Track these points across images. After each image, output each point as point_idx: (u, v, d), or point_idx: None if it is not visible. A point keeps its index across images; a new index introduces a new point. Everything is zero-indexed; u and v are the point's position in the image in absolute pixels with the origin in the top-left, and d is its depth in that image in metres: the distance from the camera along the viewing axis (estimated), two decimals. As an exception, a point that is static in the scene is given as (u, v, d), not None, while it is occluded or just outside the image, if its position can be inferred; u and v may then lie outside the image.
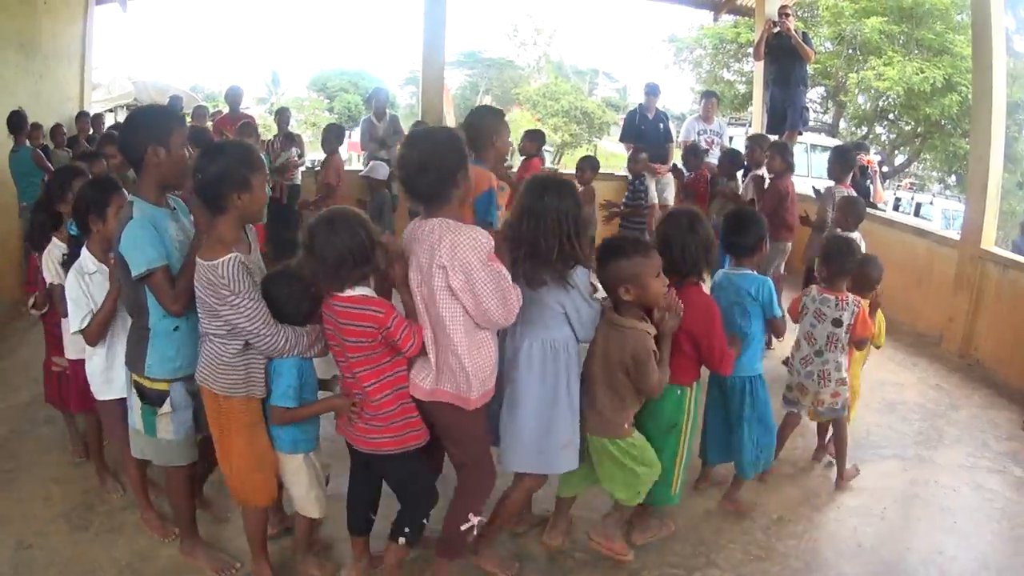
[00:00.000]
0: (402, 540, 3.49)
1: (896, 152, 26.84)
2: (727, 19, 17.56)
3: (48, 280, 4.26)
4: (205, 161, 3.16)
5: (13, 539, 4.02)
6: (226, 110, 10.81)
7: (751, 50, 13.11)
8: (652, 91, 10.12)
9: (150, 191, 3.40)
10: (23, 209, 7.53)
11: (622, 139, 10.31)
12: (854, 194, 6.78)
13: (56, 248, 4.29)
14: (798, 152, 14.04)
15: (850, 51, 22.41)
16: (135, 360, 3.49)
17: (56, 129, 8.87)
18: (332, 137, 8.84)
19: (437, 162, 3.18)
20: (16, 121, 7.37)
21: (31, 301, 4.55)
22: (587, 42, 55.64)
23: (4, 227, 7.82)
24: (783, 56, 10.06)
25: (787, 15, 10.00)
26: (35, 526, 4.15)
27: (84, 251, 3.85)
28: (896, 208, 20.09)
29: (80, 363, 4.05)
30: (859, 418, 5.48)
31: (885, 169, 21.40)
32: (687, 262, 3.73)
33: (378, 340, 3.21)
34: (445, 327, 3.25)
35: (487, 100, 36.30)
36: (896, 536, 4.57)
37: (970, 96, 10.49)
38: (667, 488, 3.92)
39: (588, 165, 8.28)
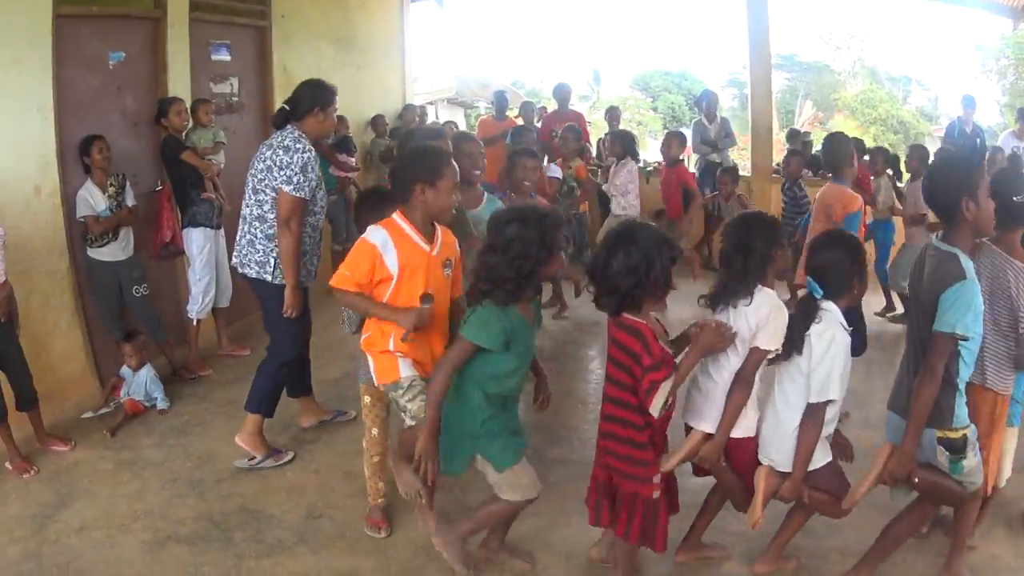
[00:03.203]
0: None
1: None
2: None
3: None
4: None
5: (304, 508, 3.96)
6: (551, 107, 10.61)
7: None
8: (969, 104, 9.77)
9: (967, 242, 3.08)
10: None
11: None
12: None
13: None
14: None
15: None
16: (943, 415, 3.01)
17: (377, 119, 9.13)
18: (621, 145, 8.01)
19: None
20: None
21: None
22: (899, 47, 50.83)
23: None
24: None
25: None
26: (330, 498, 4.06)
27: None
28: None
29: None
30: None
31: None
32: None
33: None
34: None
35: (807, 105, 34.97)
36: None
37: None
38: None
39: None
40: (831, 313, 3.04)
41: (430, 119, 12.53)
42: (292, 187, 4.02)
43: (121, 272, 5.11)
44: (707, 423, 3.13)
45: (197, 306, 5.68)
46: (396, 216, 3.23)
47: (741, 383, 3.06)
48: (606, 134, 9.90)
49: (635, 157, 7.66)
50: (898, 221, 7.06)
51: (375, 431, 3.72)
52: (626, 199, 7.24)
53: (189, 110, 5.70)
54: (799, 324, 3.04)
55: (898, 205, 7.00)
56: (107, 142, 4.99)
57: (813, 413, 3.01)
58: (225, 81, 6.71)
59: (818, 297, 3.06)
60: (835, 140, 5.51)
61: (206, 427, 4.84)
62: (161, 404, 4.97)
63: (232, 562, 3.50)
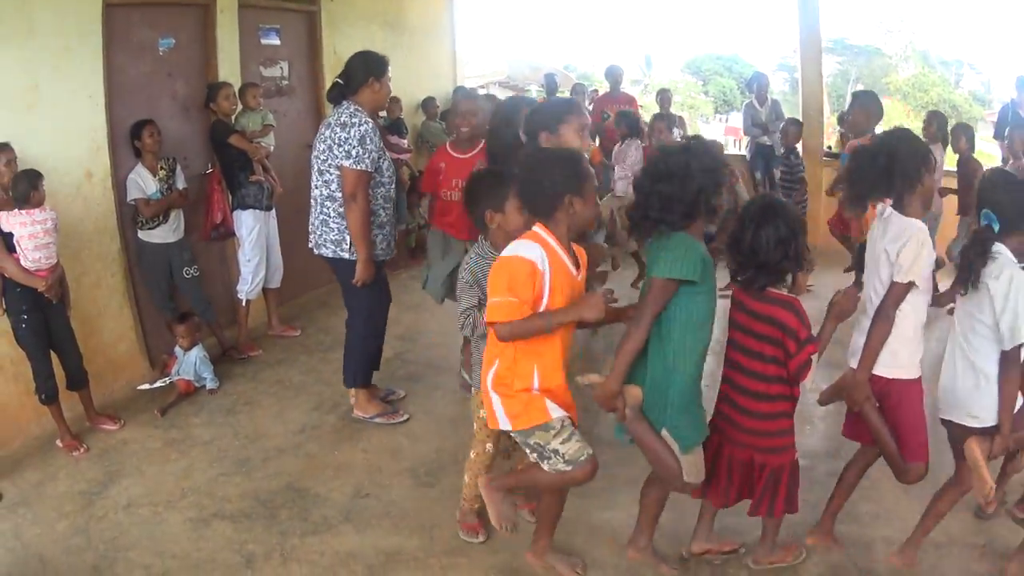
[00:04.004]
0: None
1: None
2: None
3: None
4: None
5: (350, 487, 3.96)
6: (603, 89, 10.58)
7: None
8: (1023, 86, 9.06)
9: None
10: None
11: (996, 136, 9.15)
12: None
13: None
14: None
15: None
16: None
17: (428, 101, 9.05)
18: None
19: None
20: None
21: None
22: (951, 30, 49.58)
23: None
24: None
25: None
26: (377, 478, 4.05)
27: None
28: None
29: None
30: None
31: None
32: None
33: None
34: None
35: (858, 89, 34.69)
36: None
37: None
38: None
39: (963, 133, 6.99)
40: (1004, 253, 2.90)
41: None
42: (352, 161, 4.07)
43: (172, 254, 5.16)
44: (857, 359, 3.07)
45: (247, 287, 5.71)
46: (542, 231, 2.81)
47: (881, 318, 2.98)
48: (655, 116, 9.82)
49: (640, 137, 7.61)
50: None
51: (489, 446, 3.43)
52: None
53: (237, 94, 5.72)
54: (973, 260, 2.91)
55: None
56: (157, 126, 5.03)
57: (1010, 360, 2.87)
58: (275, 65, 6.73)
59: (995, 231, 2.91)
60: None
61: (254, 407, 4.86)
62: (210, 384, 5.01)
63: (277, 539, 3.51)
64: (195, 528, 3.59)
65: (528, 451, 2.96)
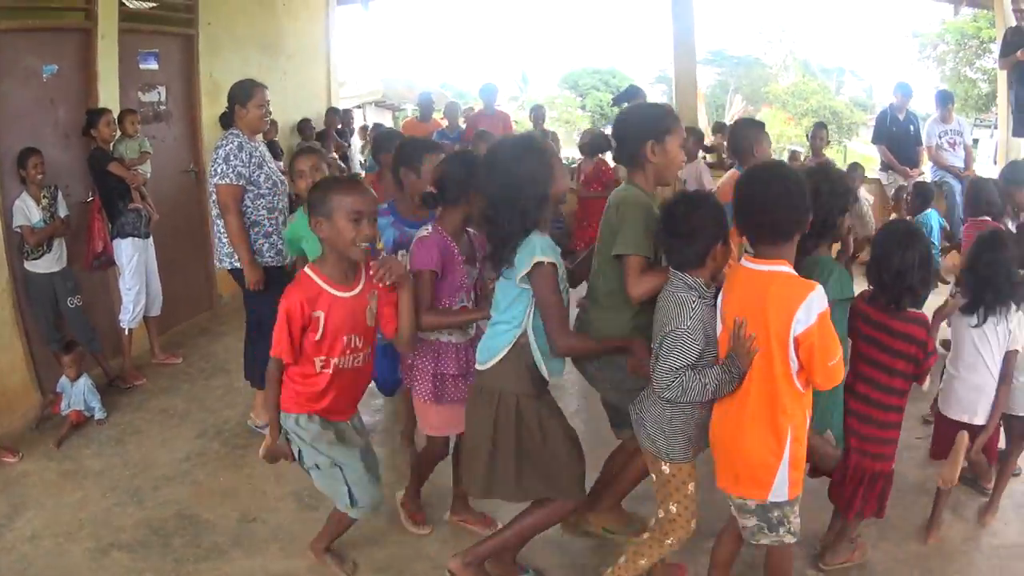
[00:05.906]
0: None
1: None
2: (968, 12, 15.82)
3: None
4: None
5: (238, 512, 4.11)
6: (479, 107, 10.77)
7: (993, 47, 11.39)
8: (904, 91, 9.44)
9: None
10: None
11: (874, 141, 9.64)
12: None
13: None
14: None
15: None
16: None
17: (304, 123, 9.31)
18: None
19: None
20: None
21: None
22: (832, 38, 52.29)
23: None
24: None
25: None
26: (262, 502, 4.21)
27: None
28: None
29: None
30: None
31: None
32: None
33: None
34: None
35: (737, 99, 35.84)
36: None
37: None
38: None
39: None
40: None
41: (357, 122, 12.63)
42: (218, 177, 4.47)
43: (56, 283, 5.22)
44: (979, 416, 3.55)
45: (129, 316, 5.81)
46: (788, 268, 2.59)
47: (1008, 380, 3.53)
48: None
49: None
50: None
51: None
52: None
53: (116, 121, 5.80)
54: None
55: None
56: (42, 156, 5.08)
57: None
58: (153, 90, 6.81)
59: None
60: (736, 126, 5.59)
61: (142, 436, 5.00)
62: (99, 414, 5.11)
63: (172, 567, 3.63)
64: (95, 559, 3.72)
65: (743, 519, 2.79)
